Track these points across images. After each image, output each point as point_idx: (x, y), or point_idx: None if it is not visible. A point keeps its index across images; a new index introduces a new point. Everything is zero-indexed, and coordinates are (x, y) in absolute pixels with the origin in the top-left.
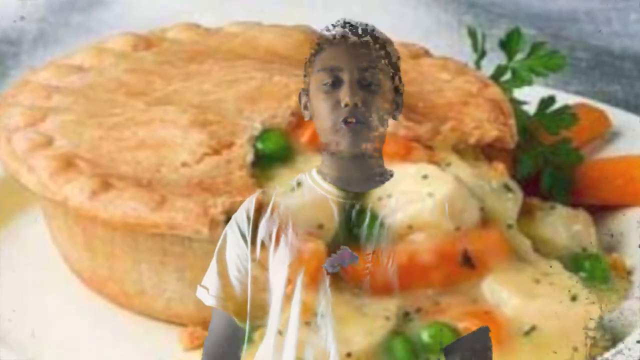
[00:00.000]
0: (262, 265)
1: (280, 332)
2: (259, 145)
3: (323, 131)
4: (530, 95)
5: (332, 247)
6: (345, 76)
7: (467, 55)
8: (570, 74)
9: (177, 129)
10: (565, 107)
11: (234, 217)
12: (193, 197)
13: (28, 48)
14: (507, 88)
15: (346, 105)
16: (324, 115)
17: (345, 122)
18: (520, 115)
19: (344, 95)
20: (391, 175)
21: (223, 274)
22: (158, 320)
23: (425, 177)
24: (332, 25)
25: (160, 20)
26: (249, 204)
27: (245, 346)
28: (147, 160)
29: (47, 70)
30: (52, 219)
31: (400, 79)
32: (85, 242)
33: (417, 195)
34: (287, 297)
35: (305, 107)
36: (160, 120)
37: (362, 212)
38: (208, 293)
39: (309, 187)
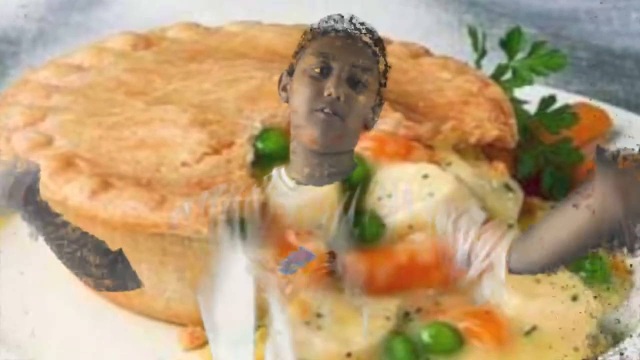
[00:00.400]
0: (263, 265)
1: (279, 332)
2: (259, 145)
3: (297, 116)
4: (531, 95)
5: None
6: (336, 66)
7: (467, 54)
8: (571, 73)
9: (177, 129)
10: (566, 107)
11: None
12: (193, 196)
13: (27, 47)
14: (507, 87)
15: (329, 95)
16: (302, 100)
17: (322, 111)
18: (520, 114)
19: (330, 85)
20: (353, 168)
21: None
22: (158, 320)
23: (425, 176)
24: (337, 16)
25: (160, 19)
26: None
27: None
28: (147, 160)
29: (46, 69)
30: None
31: (383, 94)
32: None
33: (417, 195)
34: (287, 298)
35: (284, 89)
36: (160, 119)
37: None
38: None
39: (274, 183)
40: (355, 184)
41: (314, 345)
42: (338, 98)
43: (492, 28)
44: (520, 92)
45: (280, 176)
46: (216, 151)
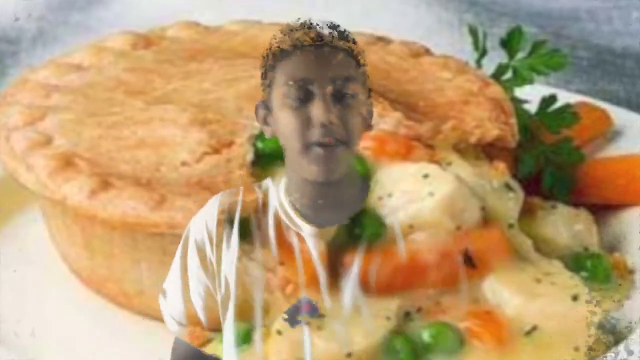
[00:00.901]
0: (263, 265)
1: (278, 332)
2: (259, 144)
3: (291, 153)
4: (532, 94)
5: (332, 249)
6: (317, 89)
7: (468, 53)
8: (572, 72)
9: (176, 128)
10: (567, 106)
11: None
12: (192, 196)
13: (27, 47)
14: (508, 87)
15: (321, 124)
16: (292, 135)
17: (319, 144)
18: (521, 114)
19: (317, 112)
20: (368, 187)
21: (186, 297)
22: (158, 320)
23: (426, 176)
24: (296, 26)
25: (160, 18)
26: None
27: (244, 346)
28: (147, 160)
29: (46, 69)
30: (51, 218)
31: (369, 87)
32: (84, 241)
33: (417, 195)
34: (287, 298)
35: (266, 122)
36: (159, 119)
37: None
38: (174, 320)
39: (274, 207)
40: None
41: (314, 345)
42: (331, 122)
43: (493, 27)
44: (520, 92)
45: (280, 203)
46: (216, 151)
